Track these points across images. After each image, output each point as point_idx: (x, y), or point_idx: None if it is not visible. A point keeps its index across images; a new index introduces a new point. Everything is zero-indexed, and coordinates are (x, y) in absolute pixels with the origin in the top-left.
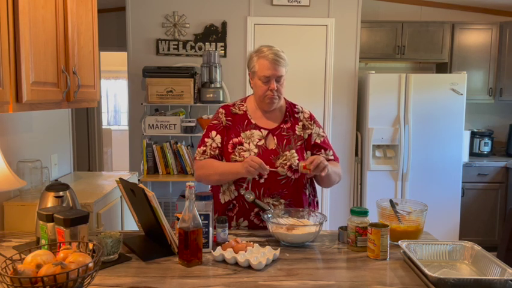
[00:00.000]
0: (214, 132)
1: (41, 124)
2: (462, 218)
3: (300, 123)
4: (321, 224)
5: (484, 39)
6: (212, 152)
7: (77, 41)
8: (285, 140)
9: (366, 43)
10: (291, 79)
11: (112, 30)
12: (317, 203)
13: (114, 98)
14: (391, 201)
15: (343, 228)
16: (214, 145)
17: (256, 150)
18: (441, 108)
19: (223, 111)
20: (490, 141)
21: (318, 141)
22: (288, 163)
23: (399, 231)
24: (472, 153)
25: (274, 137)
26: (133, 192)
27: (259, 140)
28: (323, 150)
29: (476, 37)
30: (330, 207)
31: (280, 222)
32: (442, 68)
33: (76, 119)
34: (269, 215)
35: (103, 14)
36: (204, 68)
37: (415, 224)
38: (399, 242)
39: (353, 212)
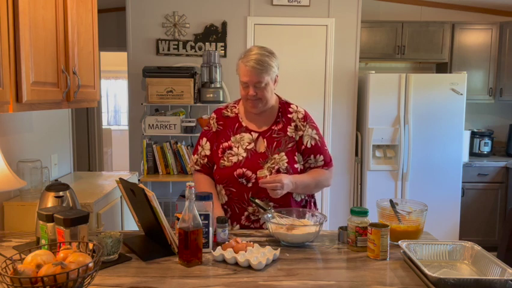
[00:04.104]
0: (204, 140)
1: (41, 124)
2: (462, 218)
3: (293, 124)
4: (321, 224)
5: (484, 39)
6: (201, 161)
7: (77, 41)
8: (275, 143)
9: (366, 43)
10: (291, 79)
11: (112, 30)
12: (315, 203)
13: (114, 98)
14: (391, 201)
15: (343, 228)
16: (203, 153)
17: (244, 154)
18: (441, 108)
19: (215, 116)
20: (490, 141)
21: (309, 145)
22: (276, 167)
23: (399, 231)
24: (472, 153)
25: (265, 140)
26: (133, 192)
27: (249, 143)
28: (312, 156)
29: (476, 37)
30: (330, 207)
31: (280, 222)
32: (442, 68)
33: (76, 119)
34: (269, 215)
35: (103, 14)
36: (204, 68)
37: (415, 224)
38: (399, 242)
39: (353, 212)
